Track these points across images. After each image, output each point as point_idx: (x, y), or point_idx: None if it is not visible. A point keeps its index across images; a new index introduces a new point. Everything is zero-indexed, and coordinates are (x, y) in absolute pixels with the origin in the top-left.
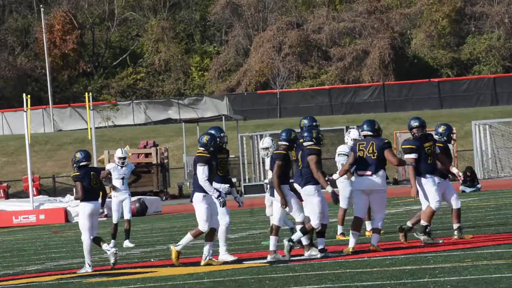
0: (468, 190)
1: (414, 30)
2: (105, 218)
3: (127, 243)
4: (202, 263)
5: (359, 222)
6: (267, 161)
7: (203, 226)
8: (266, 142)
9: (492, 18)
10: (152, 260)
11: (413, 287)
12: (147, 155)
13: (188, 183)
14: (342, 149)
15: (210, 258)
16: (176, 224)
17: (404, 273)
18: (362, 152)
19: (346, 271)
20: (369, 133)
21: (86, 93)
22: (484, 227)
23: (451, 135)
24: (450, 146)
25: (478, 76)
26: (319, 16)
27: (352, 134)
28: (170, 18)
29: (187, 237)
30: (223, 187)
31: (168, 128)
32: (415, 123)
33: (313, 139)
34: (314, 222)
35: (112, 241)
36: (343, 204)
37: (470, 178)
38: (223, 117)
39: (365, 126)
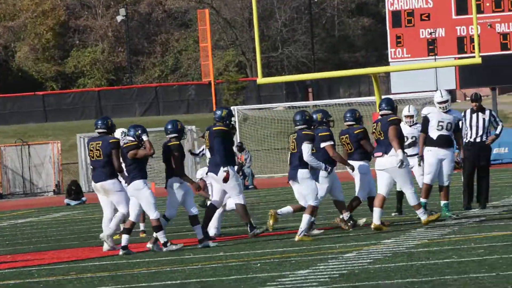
0: (73, 203)
1: (19, 43)
2: None
3: None
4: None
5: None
6: None
7: (315, 201)
8: None
9: (96, 31)
10: None
11: None
12: None
13: None
14: None
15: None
16: None
17: None
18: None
19: None
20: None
21: None
22: (89, 240)
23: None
24: None
25: (83, 89)
26: None
27: None
28: None
29: (305, 219)
30: None
31: None
32: None
33: (134, 136)
34: (153, 215)
35: None
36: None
37: (75, 191)
38: None
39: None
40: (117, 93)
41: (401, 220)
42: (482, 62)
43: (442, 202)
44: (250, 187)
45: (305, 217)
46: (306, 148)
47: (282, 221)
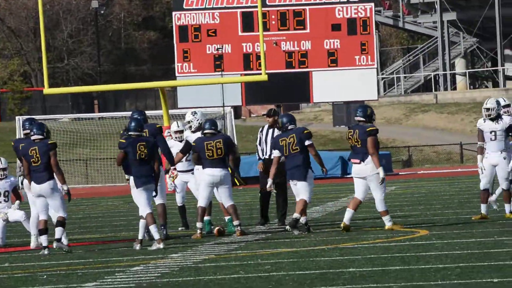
0: None
1: None
2: None
3: None
4: None
5: None
6: None
7: None
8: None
9: None
10: None
11: None
12: None
13: None
14: None
15: None
16: None
17: None
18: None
19: None
20: (361, 119)
21: None
22: None
23: None
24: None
25: None
26: None
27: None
28: None
29: None
30: None
31: None
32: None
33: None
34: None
35: None
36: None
37: None
38: None
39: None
40: None
41: (187, 234)
42: (268, 79)
43: (227, 217)
44: None
45: None
46: None
47: (77, 233)
